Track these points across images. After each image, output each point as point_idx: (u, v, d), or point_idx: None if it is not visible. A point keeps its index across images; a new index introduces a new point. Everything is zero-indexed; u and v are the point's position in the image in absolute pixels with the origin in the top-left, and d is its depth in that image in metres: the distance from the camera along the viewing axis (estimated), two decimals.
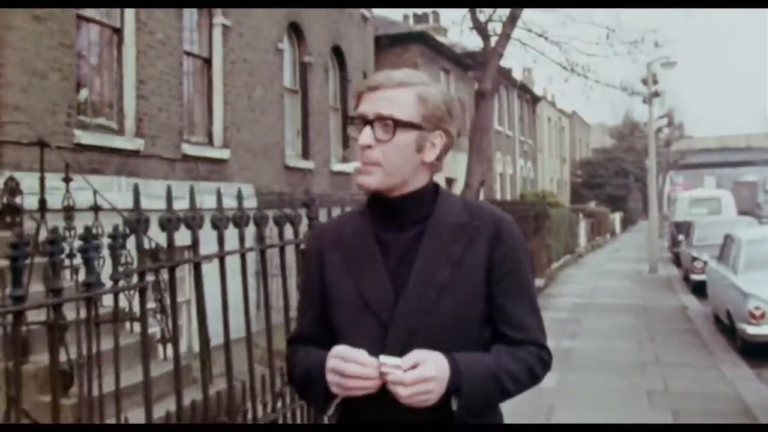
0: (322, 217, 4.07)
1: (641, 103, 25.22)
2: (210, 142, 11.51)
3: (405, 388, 1.75)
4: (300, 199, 4.85)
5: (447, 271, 1.91)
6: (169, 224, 3.29)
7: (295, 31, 14.43)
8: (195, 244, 3.61)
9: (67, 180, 6.93)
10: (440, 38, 27.35)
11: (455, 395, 1.82)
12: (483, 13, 14.63)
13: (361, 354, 1.79)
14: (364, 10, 18.20)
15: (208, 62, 11.60)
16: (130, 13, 9.63)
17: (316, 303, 2.04)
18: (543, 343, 1.98)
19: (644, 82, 24.01)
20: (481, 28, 14.55)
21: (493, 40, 14.59)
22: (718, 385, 8.37)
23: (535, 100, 42.62)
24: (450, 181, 25.79)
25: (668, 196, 52.39)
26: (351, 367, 1.78)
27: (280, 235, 4.27)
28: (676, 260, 23.76)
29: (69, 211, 6.84)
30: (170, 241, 3.34)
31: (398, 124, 1.90)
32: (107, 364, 3.99)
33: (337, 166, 15.80)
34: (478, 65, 19.54)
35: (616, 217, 50.26)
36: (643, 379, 8.70)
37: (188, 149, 10.59)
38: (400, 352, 1.81)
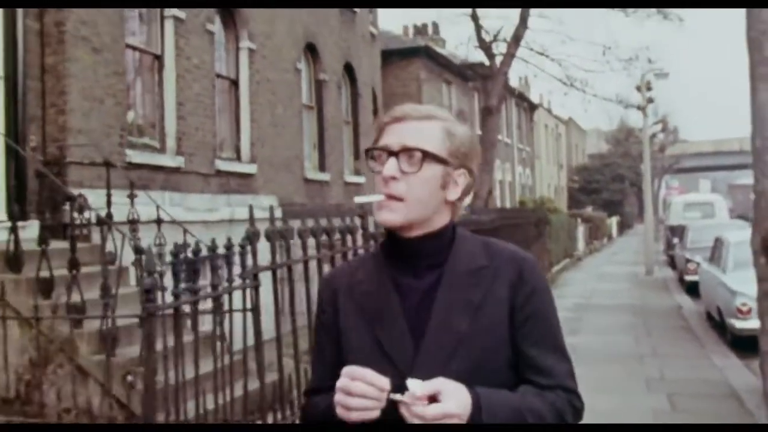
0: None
1: (636, 110, 26.30)
2: (238, 157, 12.45)
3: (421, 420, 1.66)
4: (320, 208, 5.75)
5: (466, 318, 1.81)
6: (273, 235, 4.22)
7: (311, 50, 15.39)
8: (288, 251, 4.52)
9: (131, 196, 7.86)
10: (440, 49, 28.33)
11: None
12: (488, 34, 15.65)
13: (369, 372, 1.69)
14: (372, 28, 19.18)
15: (235, 83, 12.55)
16: (169, 40, 10.58)
17: (331, 353, 1.93)
18: (573, 388, 1.85)
19: (638, 89, 25.00)
20: (486, 48, 15.57)
21: (498, 59, 15.59)
22: (709, 372, 9.30)
23: (532, 108, 43.67)
24: None
25: (663, 200, 53.38)
26: (357, 385, 1.68)
27: (343, 241, 5.19)
28: (672, 262, 24.73)
29: (134, 224, 7.77)
30: (273, 249, 4.28)
31: (426, 156, 1.81)
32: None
33: (350, 178, 16.77)
34: (478, 77, 20.50)
35: (613, 222, 51.28)
36: (641, 368, 9.64)
37: (221, 165, 11.53)
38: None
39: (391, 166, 1.80)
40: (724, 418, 7.32)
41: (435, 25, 35.12)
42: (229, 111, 12.44)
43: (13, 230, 6.71)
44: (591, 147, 69.14)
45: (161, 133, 10.48)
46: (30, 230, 7.51)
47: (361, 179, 17.19)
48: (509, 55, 15.10)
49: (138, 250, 6.30)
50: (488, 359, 1.80)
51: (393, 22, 58.93)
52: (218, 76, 11.94)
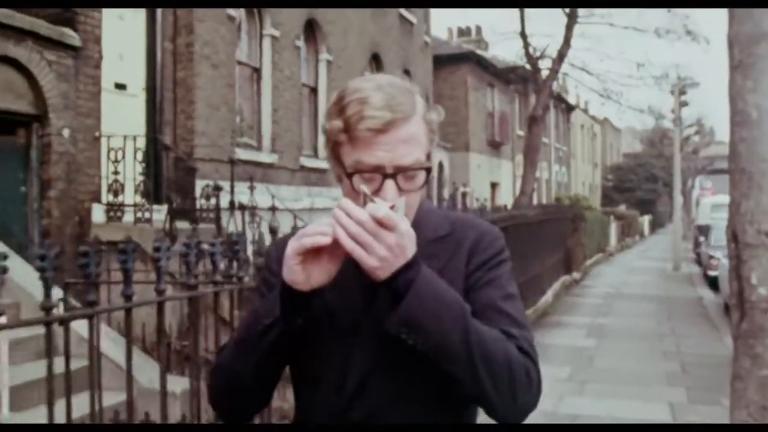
0: None
1: (671, 112, 27.87)
2: (315, 155, 14.37)
3: (361, 222, 1.45)
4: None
5: None
6: None
7: (376, 59, 17.26)
8: None
9: (251, 188, 9.77)
10: (483, 53, 30.08)
11: (402, 289, 1.49)
12: (536, 51, 17.49)
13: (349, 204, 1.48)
14: (426, 37, 21.01)
15: (314, 90, 14.46)
16: (267, 55, 12.51)
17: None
18: (526, 349, 1.60)
19: (672, 93, 26.53)
20: (533, 64, 17.42)
21: (544, 73, 17.43)
22: (719, 348, 11.03)
23: (569, 108, 45.21)
24: (494, 185, 28.54)
25: (696, 201, 54.69)
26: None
27: None
28: (698, 260, 26.33)
29: (253, 210, 9.68)
30: None
31: (428, 171, 1.62)
32: None
33: None
34: (520, 80, 22.33)
35: (645, 220, 52.63)
36: (660, 344, 11.42)
37: (304, 161, 13.46)
38: (370, 364, 1.62)
39: (392, 192, 1.55)
40: (725, 381, 9.09)
41: (478, 28, 36.84)
42: (308, 115, 14.35)
43: (170, 213, 8.66)
44: (625, 146, 70.35)
45: (258, 134, 12.42)
46: (160, 213, 9.45)
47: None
48: (554, 71, 16.99)
49: (272, 230, 8.19)
50: None
51: (437, 24, 60.45)
52: (303, 85, 13.86)
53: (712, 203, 29.08)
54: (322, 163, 14.30)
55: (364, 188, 1.52)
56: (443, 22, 51.20)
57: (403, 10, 18.87)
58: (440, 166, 24.35)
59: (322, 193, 13.61)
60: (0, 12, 7.85)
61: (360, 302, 1.65)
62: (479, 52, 28.67)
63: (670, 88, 23.47)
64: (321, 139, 12.12)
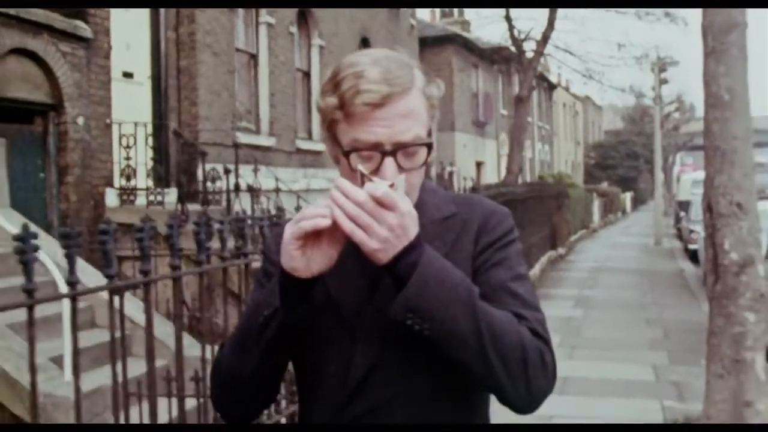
0: None
1: (651, 90, 28.49)
2: (310, 137, 14.86)
3: (360, 203, 1.39)
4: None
5: None
6: None
7: (365, 44, 17.72)
8: None
9: (255, 170, 10.25)
10: (466, 34, 30.54)
11: (405, 273, 1.43)
12: (521, 33, 18.06)
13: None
14: (412, 20, 21.48)
15: (308, 75, 14.94)
16: (263, 42, 12.96)
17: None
18: (537, 330, 1.53)
19: (652, 70, 27.11)
20: (518, 46, 17.96)
21: (528, 55, 17.99)
22: (698, 316, 11.63)
23: (551, 87, 45.77)
24: (479, 164, 29.10)
25: (677, 177, 55.49)
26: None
27: None
28: (679, 235, 27.04)
29: (256, 192, 10.18)
30: None
31: (429, 149, 1.53)
32: None
33: None
34: (503, 60, 22.86)
35: (627, 197, 53.45)
36: (643, 312, 12.04)
37: (300, 144, 13.96)
38: (374, 357, 1.54)
39: (391, 170, 1.48)
40: (704, 344, 9.72)
41: (461, 11, 37.28)
42: (302, 99, 14.83)
43: (180, 195, 9.16)
44: (607, 123, 71.07)
45: (256, 118, 12.90)
46: (171, 196, 9.96)
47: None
48: (538, 53, 17.57)
49: (279, 210, 8.70)
50: None
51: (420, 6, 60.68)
52: (297, 70, 14.34)
53: (692, 179, 29.72)
54: (317, 145, 14.80)
55: (361, 168, 1.45)
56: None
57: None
58: None
59: (317, 174, 14.11)
60: (17, 7, 8.28)
61: (363, 289, 1.57)
62: (464, 33, 29.14)
63: (650, 66, 24.08)
64: (315, 122, 12.63)
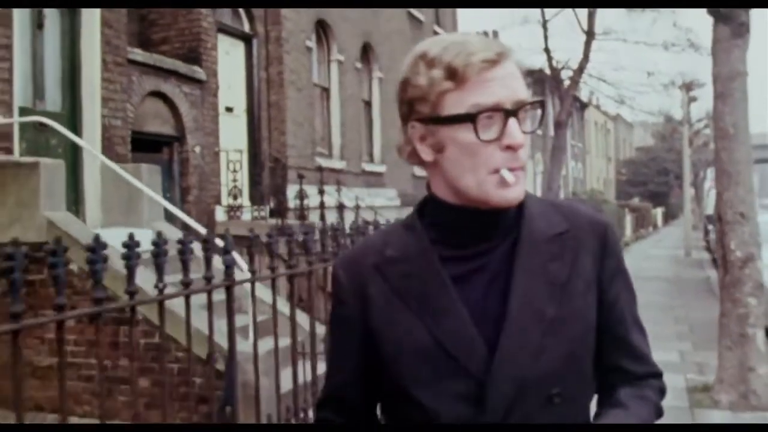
0: None
1: (680, 108, 30.03)
2: (371, 160, 16.69)
3: None
4: None
5: (554, 298, 1.43)
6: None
7: None
8: None
9: (338, 190, 12.05)
10: None
11: None
12: (558, 63, 19.89)
13: None
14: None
15: (369, 104, 16.80)
16: (334, 77, 14.83)
17: (355, 355, 1.51)
18: (661, 372, 1.64)
19: (680, 89, 28.62)
20: (556, 75, 19.78)
21: (566, 82, 19.81)
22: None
23: (583, 106, 47.36)
24: None
25: (707, 192, 56.64)
26: None
27: None
28: (708, 246, 28.51)
29: (341, 209, 11.98)
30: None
31: (543, 108, 1.50)
32: None
33: None
34: (537, 81, 24.66)
35: (658, 212, 54.71)
36: (672, 312, 13.68)
37: (365, 166, 15.79)
38: (505, 411, 1.39)
39: (518, 130, 1.38)
40: None
41: (495, 33, 39.04)
42: (366, 126, 16.68)
43: (278, 211, 10.99)
44: (638, 140, 72.32)
45: (329, 144, 14.75)
46: (265, 212, 11.79)
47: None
48: (574, 82, 19.38)
49: (366, 222, 10.49)
50: (579, 350, 1.45)
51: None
52: (363, 101, 16.21)
53: None
54: (378, 167, 16.63)
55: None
56: (462, 28, 53.23)
57: (437, 27, 21.15)
58: None
59: (378, 193, 15.92)
60: (153, 57, 10.19)
61: (480, 340, 1.42)
62: None
63: (678, 86, 25.71)
64: (376, 146, 14.42)
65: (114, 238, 4.00)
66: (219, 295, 4.64)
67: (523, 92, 1.41)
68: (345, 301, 1.52)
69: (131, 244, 3.36)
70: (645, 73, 21.33)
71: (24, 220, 7.02)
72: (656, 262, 25.07)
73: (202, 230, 7.22)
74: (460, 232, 1.46)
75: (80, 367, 6.98)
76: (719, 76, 7.84)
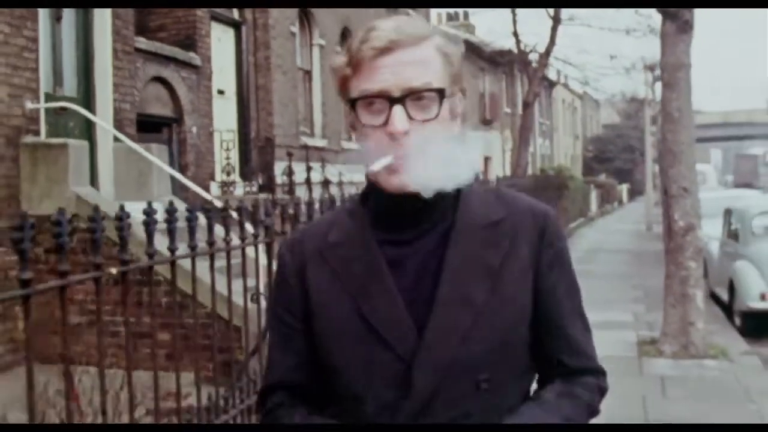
0: None
1: (643, 87, 31.16)
2: (350, 138, 17.62)
3: None
4: None
5: (485, 285, 1.45)
6: None
7: None
8: None
9: (323, 166, 12.99)
10: (472, 37, 33.23)
11: None
12: (526, 47, 20.94)
13: None
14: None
15: None
16: (316, 60, 15.74)
17: (299, 338, 1.54)
18: (602, 369, 1.61)
19: (645, 68, 29.72)
20: (524, 58, 20.84)
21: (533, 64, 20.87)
22: None
23: (551, 85, 48.50)
24: (487, 159, 31.88)
25: None
26: None
27: None
28: None
29: (326, 184, 12.92)
30: None
31: (441, 96, 1.43)
32: None
33: None
34: (507, 63, 25.73)
35: (624, 188, 56.14)
36: (630, 280, 14.86)
37: (344, 144, 16.75)
38: (431, 394, 1.42)
39: (401, 117, 1.39)
40: None
41: (465, 13, 39.85)
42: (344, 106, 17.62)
43: (267, 186, 11.93)
44: (605, 117, 73.63)
45: (311, 124, 15.68)
46: (254, 187, 12.72)
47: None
48: (542, 65, 20.46)
49: (351, 195, 11.49)
50: (510, 337, 1.47)
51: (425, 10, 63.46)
52: None
53: None
54: (355, 145, 17.59)
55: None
56: (434, 11, 54.09)
57: (410, 11, 22.06)
58: None
59: (358, 169, 16.91)
60: (155, 45, 11.05)
61: (410, 322, 1.46)
62: (472, 39, 31.89)
63: (642, 71, 26.92)
64: None
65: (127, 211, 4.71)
66: (220, 261, 4.92)
67: (416, 80, 1.40)
68: (287, 281, 1.56)
69: (150, 212, 3.68)
70: (608, 56, 22.46)
71: (54, 195, 7.93)
72: (619, 236, 26.32)
73: (217, 202, 8.11)
74: (392, 216, 1.49)
75: (107, 324, 7.94)
76: (666, 67, 8.90)
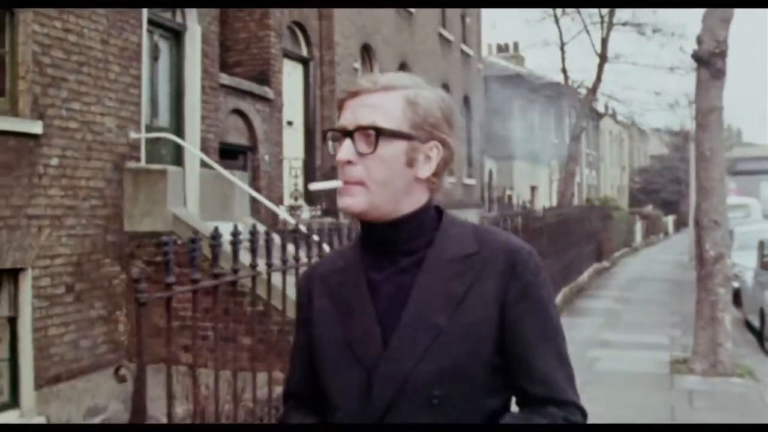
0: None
1: (688, 121, 31.93)
2: None
3: None
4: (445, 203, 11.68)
5: (447, 311, 1.60)
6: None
7: (446, 88, 21.56)
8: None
9: None
10: (522, 70, 34.22)
11: None
12: (574, 83, 21.94)
13: None
14: (479, 65, 25.32)
15: None
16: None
17: (306, 354, 1.75)
18: (571, 399, 1.63)
19: (690, 104, 30.45)
20: (572, 93, 21.82)
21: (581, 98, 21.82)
22: None
23: (598, 116, 49.19)
24: (534, 188, 32.78)
25: None
26: None
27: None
28: None
29: None
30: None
31: (381, 133, 1.58)
32: None
33: (466, 180, 22.93)
34: (556, 95, 26.68)
35: (669, 220, 56.25)
36: (669, 307, 15.61)
37: None
38: (387, 406, 1.58)
39: (346, 149, 1.61)
40: None
41: (515, 44, 40.81)
42: None
43: (331, 211, 12.99)
44: (652, 148, 73.75)
45: None
46: (318, 211, 13.78)
47: (473, 181, 23.37)
48: (588, 101, 21.44)
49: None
50: (467, 361, 1.58)
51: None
52: None
53: (730, 204, 32.79)
54: None
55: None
56: (485, 47, 55.17)
57: (464, 46, 23.17)
58: (489, 173, 28.70)
59: None
60: (235, 81, 12.22)
61: (380, 339, 1.63)
62: (522, 73, 32.93)
63: (688, 102, 27.72)
64: None
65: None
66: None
67: (365, 119, 1.59)
68: (300, 304, 1.79)
69: (236, 233, 4.21)
70: (653, 92, 23.51)
71: (154, 214, 9.07)
72: (662, 266, 26.96)
73: (291, 220, 9.17)
74: (370, 244, 1.69)
75: (198, 329, 9.01)
76: (700, 110, 9.80)
